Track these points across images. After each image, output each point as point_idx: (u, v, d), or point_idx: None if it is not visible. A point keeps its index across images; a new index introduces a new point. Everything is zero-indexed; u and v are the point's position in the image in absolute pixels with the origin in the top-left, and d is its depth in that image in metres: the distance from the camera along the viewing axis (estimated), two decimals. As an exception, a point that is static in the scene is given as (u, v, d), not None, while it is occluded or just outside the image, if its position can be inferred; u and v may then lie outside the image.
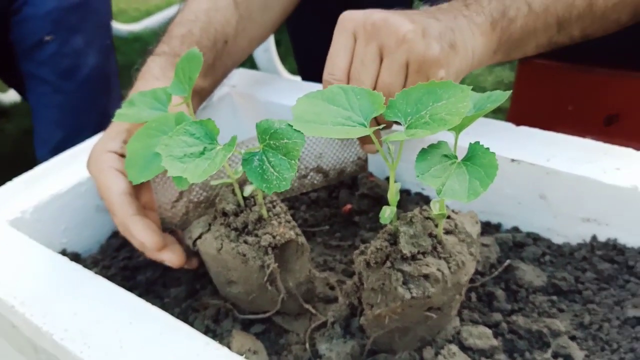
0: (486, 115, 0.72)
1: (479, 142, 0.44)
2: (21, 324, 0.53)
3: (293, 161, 0.41)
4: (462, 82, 0.58)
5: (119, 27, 2.64)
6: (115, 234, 0.78)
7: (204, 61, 0.72)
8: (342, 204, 0.78)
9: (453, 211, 0.57)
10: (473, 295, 0.61)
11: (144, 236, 0.59)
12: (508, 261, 0.63)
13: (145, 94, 0.59)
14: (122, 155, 0.63)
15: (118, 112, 0.60)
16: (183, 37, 0.74)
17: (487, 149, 0.44)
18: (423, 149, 0.44)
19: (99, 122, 1.34)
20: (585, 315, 0.57)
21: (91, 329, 0.49)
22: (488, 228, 0.70)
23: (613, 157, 0.62)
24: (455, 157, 0.45)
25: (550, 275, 0.61)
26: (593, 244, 0.63)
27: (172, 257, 0.61)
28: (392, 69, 0.60)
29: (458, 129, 0.47)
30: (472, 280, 0.62)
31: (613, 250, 0.61)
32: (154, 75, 0.70)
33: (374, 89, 0.62)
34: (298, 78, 1.39)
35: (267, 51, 1.65)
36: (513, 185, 0.66)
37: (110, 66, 1.45)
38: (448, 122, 0.42)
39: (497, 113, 1.72)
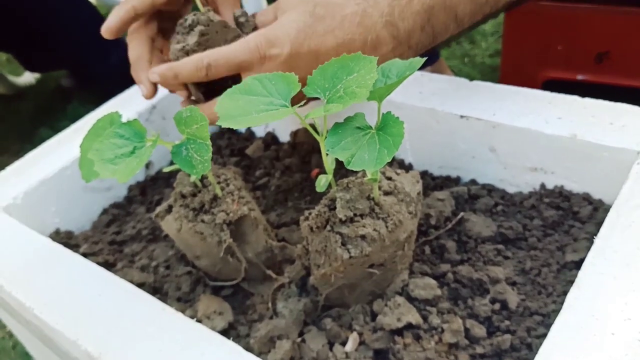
0: (476, 71, 0.73)
1: (390, 112, 0.47)
2: (9, 300, 0.60)
3: (207, 142, 0.45)
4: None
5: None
6: (105, 211, 0.84)
7: None
8: (313, 168, 0.82)
9: (396, 172, 0.60)
10: (427, 249, 0.65)
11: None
12: (462, 214, 0.66)
13: None
14: None
15: None
16: None
17: (397, 118, 0.46)
18: (336, 122, 0.47)
19: None
20: (527, 261, 0.60)
21: (66, 302, 0.55)
22: (447, 182, 0.73)
23: (556, 107, 0.63)
24: (370, 128, 0.47)
25: (500, 224, 0.64)
26: (541, 192, 0.65)
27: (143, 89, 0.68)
28: None
29: (379, 99, 0.50)
30: (426, 234, 0.66)
31: (559, 197, 0.64)
32: None
33: None
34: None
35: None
36: (465, 140, 0.68)
37: None
38: (358, 95, 0.45)
39: (495, 56, 1.70)
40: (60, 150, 0.81)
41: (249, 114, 0.48)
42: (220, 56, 0.61)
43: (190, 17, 0.65)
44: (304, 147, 0.86)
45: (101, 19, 1.85)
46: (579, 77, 1.26)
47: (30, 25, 1.73)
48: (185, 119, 0.47)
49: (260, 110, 0.48)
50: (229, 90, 0.50)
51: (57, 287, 0.57)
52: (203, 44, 0.64)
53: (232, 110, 0.48)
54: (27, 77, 2.29)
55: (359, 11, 0.63)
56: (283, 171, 0.83)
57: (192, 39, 0.64)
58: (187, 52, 0.63)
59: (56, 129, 1.88)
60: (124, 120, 0.53)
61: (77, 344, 0.50)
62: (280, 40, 0.62)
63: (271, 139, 0.91)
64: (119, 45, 1.82)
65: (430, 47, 0.67)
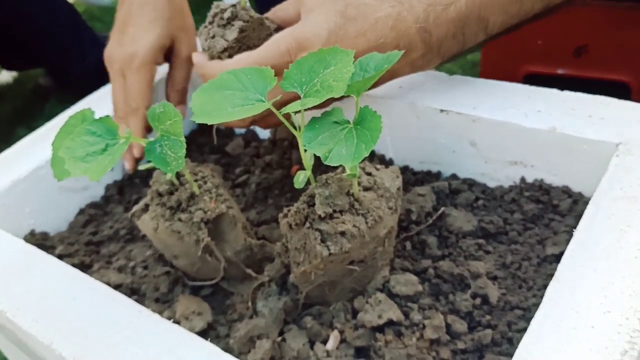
0: (457, 66, 0.73)
1: (367, 106, 0.46)
2: (-18, 304, 0.58)
3: (182, 138, 0.44)
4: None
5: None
6: (82, 211, 0.82)
7: None
8: (294, 165, 0.81)
9: (376, 168, 0.59)
10: (408, 244, 0.64)
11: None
12: (442, 209, 0.66)
13: None
14: None
15: None
16: None
17: (375, 112, 0.46)
18: (313, 117, 0.46)
19: None
20: (508, 255, 0.60)
21: (40, 306, 0.54)
22: (428, 177, 0.72)
23: (535, 100, 0.63)
24: (348, 122, 0.47)
25: (481, 219, 0.64)
26: (522, 186, 0.65)
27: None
28: None
29: (357, 92, 0.49)
30: (407, 230, 0.65)
31: (539, 191, 0.64)
32: None
33: None
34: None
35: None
36: (445, 134, 0.68)
37: None
38: (334, 89, 0.44)
39: (476, 51, 1.70)
40: (35, 149, 0.79)
41: (224, 109, 0.47)
42: (251, 62, 0.60)
43: (228, 9, 0.63)
44: (285, 143, 0.85)
45: (78, 17, 1.83)
46: (559, 71, 1.26)
47: (7, 23, 1.71)
48: (158, 114, 0.46)
49: (235, 105, 0.47)
50: (203, 85, 0.49)
51: (31, 290, 0.56)
52: (240, 41, 0.63)
53: (206, 105, 0.47)
54: (4, 76, 2.26)
55: (393, 14, 0.61)
56: (263, 168, 0.82)
57: (231, 35, 0.63)
58: (225, 49, 0.63)
59: (34, 128, 1.84)
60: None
61: (51, 348, 0.49)
62: (312, 42, 0.60)
63: (251, 136, 0.90)
64: (97, 44, 1.80)
65: (457, 55, 0.66)
